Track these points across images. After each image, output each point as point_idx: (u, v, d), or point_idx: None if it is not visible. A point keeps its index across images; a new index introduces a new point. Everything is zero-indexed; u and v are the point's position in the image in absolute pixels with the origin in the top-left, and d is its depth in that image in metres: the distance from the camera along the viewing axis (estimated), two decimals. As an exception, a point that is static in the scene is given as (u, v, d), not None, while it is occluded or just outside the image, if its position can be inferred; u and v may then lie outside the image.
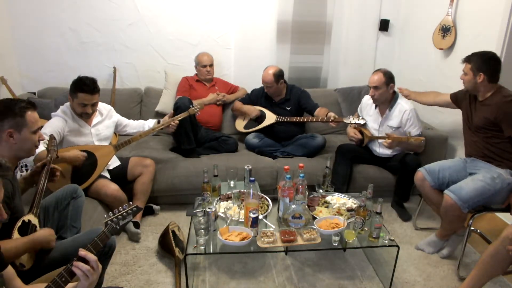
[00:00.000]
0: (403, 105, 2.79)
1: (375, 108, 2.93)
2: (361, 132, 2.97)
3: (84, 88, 2.35)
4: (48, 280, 1.30)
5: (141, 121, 2.86)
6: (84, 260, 1.23)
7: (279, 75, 3.17)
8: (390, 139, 2.68)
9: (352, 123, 2.89)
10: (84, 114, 2.45)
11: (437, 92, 2.81)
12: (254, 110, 3.28)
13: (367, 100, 3.03)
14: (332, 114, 2.92)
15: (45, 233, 1.58)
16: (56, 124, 2.38)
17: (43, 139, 1.77)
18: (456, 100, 2.58)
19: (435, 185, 2.39)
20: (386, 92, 2.76)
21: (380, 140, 2.89)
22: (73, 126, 2.45)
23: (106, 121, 2.65)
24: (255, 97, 3.41)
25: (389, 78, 2.75)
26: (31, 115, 1.67)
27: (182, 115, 2.78)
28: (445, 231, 2.41)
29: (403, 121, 2.78)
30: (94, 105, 2.45)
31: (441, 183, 2.38)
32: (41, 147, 2.16)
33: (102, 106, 2.64)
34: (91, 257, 1.23)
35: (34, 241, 1.53)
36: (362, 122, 2.84)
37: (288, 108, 3.28)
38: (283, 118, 3.20)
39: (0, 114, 1.59)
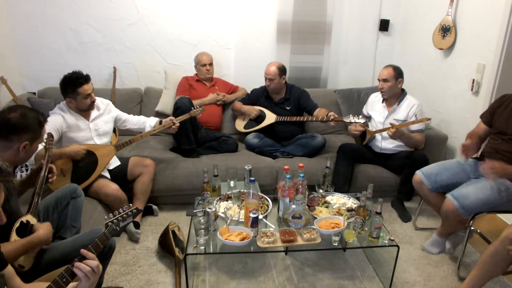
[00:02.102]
0: (411, 100, 2.87)
1: (382, 102, 2.97)
2: (363, 131, 2.98)
3: (81, 81, 2.38)
4: (48, 279, 1.30)
5: (142, 117, 2.85)
6: (85, 260, 1.23)
7: (282, 69, 3.21)
8: (395, 127, 2.68)
9: (352, 122, 2.90)
10: (92, 103, 2.48)
11: (474, 136, 2.39)
12: (253, 110, 3.28)
13: (373, 97, 3.09)
14: (332, 114, 2.93)
15: (42, 234, 1.57)
16: (54, 121, 2.38)
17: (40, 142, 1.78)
18: (492, 118, 2.34)
19: (433, 188, 2.39)
20: (394, 86, 2.83)
21: (380, 139, 2.89)
22: (71, 122, 2.46)
23: (104, 116, 2.65)
24: (255, 97, 3.41)
25: (398, 73, 2.84)
26: (45, 128, 1.70)
27: (183, 117, 2.78)
28: (445, 230, 2.41)
29: (410, 115, 2.83)
30: (93, 91, 2.48)
31: (439, 186, 2.37)
32: (40, 146, 2.16)
33: (100, 101, 2.65)
34: (93, 262, 1.23)
35: (32, 242, 1.52)
36: (361, 121, 2.86)
37: (288, 108, 3.28)
38: (283, 118, 3.20)
39: (24, 127, 1.60)
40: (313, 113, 3.17)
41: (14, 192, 1.64)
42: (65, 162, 2.36)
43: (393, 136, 2.71)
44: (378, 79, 2.88)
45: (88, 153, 2.44)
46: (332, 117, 2.91)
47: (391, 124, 2.73)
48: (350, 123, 2.95)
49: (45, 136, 2.08)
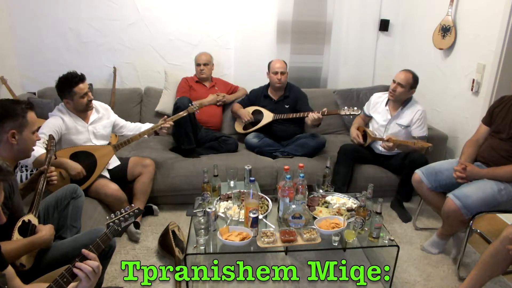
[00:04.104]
0: (416, 106, 2.84)
1: (386, 105, 2.95)
2: (364, 133, 2.98)
3: (76, 80, 2.37)
4: (48, 280, 1.30)
5: (138, 124, 2.84)
6: (86, 261, 1.23)
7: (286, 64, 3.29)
8: (392, 142, 2.68)
9: (347, 114, 2.92)
10: (89, 102, 2.47)
11: (472, 145, 2.42)
12: (247, 115, 3.29)
13: (376, 98, 3.06)
14: (325, 109, 2.95)
15: (45, 235, 1.57)
16: (53, 123, 2.38)
17: (39, 139, 1.77)
18: (491, 118, 2.37)
19: (432, 187, 2.39)
20: (405, 93, 2.81)
21: (380, 142, 2.89)
22: (70, 124, 2.45)
23: (104, 120, 2.65)
24: (254, 97, 3.41)
25: (415, 82, 2.81)
26: (31, 115, 1.68)
27: (181, 114, 2.77)
28: (446, 231, 2.40)
29: (413, 120, 2.82)
30: (89, 90, 2.48)
31: (439, 185, 2.38)
32: (41, 150, 2.16)
33: (98, 104, 2.65)
34: (93, 263, 1.23)
35: (34, 243, 1.53)
36: (357, 113, 2.88)
37: (286, 106, 3.29)
38: (280, 116, 3.21)
39: (2, 115, 1.59)
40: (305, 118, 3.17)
41: (17, 189, 1.64)
42: None
43: (389, 150, 2.74)
44: (394, 80, 2.82)
45: (87, 155, 2.44)
46: (326, 111, 2.91)
47: (387, 137, 2.73)
48: (345, 115, 2.96)
49: (46, 137, 2.08)
